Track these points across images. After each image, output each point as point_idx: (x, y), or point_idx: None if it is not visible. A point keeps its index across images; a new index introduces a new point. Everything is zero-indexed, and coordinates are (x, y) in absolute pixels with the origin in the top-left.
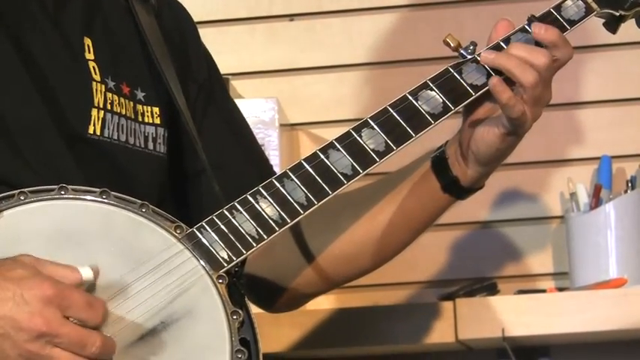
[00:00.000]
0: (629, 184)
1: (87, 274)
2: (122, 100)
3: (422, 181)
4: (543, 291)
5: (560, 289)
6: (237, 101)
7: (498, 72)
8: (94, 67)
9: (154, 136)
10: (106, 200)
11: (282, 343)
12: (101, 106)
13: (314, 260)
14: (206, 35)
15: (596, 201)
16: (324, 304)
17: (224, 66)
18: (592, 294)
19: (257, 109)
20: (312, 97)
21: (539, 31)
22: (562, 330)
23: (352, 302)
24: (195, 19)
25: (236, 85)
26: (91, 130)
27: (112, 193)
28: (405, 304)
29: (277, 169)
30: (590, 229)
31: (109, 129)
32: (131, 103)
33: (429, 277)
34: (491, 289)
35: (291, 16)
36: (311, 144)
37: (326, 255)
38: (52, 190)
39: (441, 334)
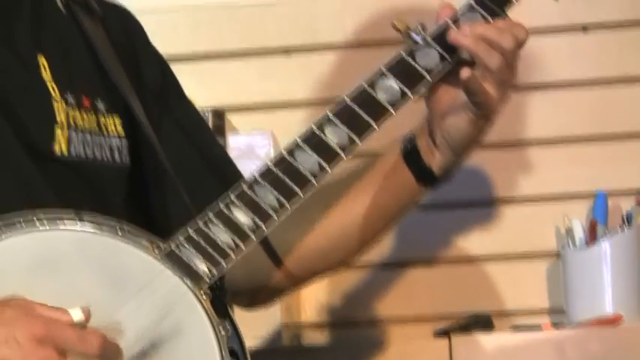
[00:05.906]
0: (625, 220)
1: (77, 316)
2: (84, 114)
3: (394, 173)
4: (539, 326)
5: (556, 325)
6: (233, 136)
7: (450, 51)
8: (52, 88)
9: (120, 147)
10: (80, 229)
11: None
12: (64, 124)
13: (287, 255)
14: (202, 69)
15: (591, 237)
16: (319, 338)
17: (219, 99)
18: (588, 331)
19: (252, 143)
20: None
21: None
22: None
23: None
24: (190, 52)
25: (231, 118)
26: (57, 150)
27: (86, 216)
28: (400, 340)
29: None
30: (585, 266)
31: (75, 147)
32: (94, 115)
33: (424, 313)
34: (486, 324)
35: (287, 50)
36: None
37: (299, 249)
38: (28, 220)
39: None
